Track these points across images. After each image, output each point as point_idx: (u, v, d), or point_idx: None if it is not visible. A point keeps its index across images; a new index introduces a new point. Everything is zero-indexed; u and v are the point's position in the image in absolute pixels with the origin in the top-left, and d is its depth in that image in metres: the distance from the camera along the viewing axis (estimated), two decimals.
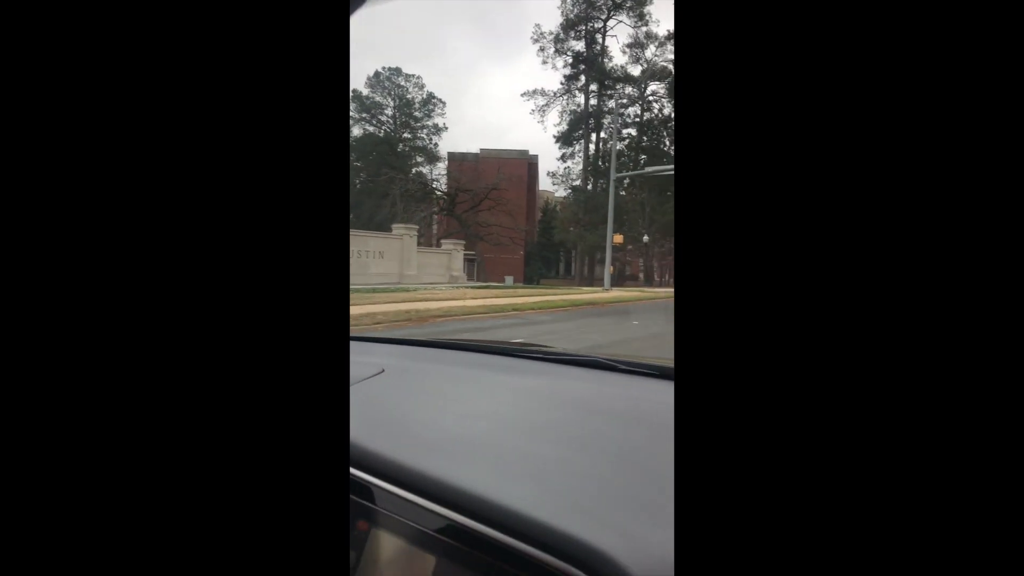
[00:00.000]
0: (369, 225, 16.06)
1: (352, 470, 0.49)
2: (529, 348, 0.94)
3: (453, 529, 0.41)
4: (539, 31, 26.06)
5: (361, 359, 0.81)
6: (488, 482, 0.44)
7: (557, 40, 25.71)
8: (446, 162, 26.39)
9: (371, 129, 24.51)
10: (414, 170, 22.77)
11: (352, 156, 22.25)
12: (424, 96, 25.67)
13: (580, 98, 26.38)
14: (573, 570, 0.36)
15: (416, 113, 25.61)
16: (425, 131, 26.18)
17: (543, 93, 26.36)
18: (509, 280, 22.76)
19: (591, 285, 22.77)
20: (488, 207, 21.43)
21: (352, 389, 0.67)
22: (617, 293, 13.62)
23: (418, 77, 25.33)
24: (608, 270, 15.82)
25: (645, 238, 22.71)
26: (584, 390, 0.72)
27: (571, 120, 26.45)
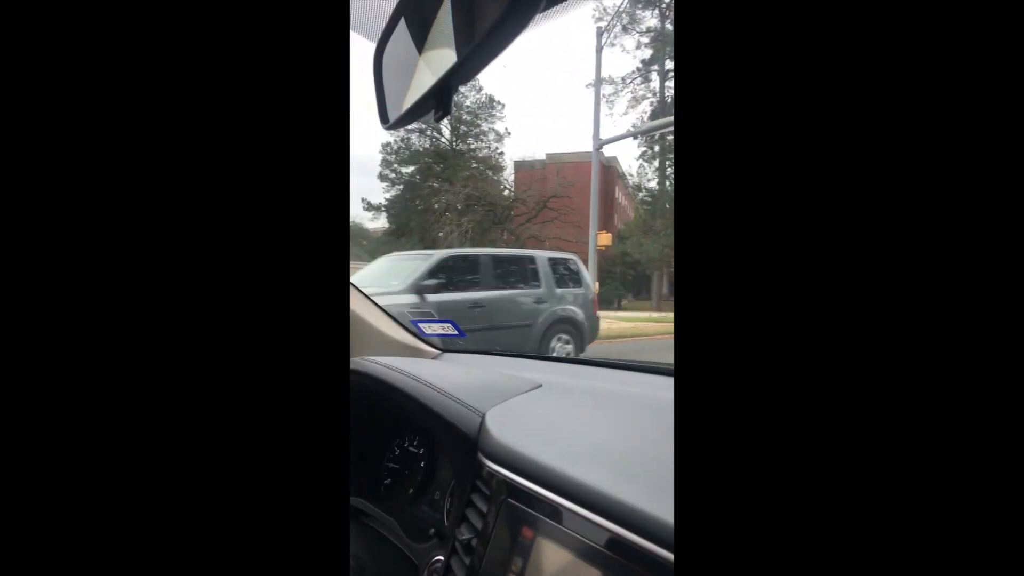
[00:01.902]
0: (419, 244, 14.43)
1: (512, 475, 0.55)
2: None
3: (616, 543, 0.44)
4: (601, 7, 23.37)
5: (519, 374, 0.87)
6: (650, 497, 0.45)
7: (623, 16, 22.83)
8: (513, 172, 24.50)
9: (423, 141, 23.14)
10: (463, 181, 21.02)
11: (409, 170, 20.97)
12: (483, 99, 23.92)
13: (656, 82, 23.34)
14: None
15: (474, 119, 23.88)
16: (485, 138, 24.36)
17: (611, 80, 23.48)
18: None
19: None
20: (550, 218, 19.20)
21: (512, 403, 0.73)
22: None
23: (475, 79, 23.80)
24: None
25: None
26: None
27: (652, 111, 23.53)
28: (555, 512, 0.50)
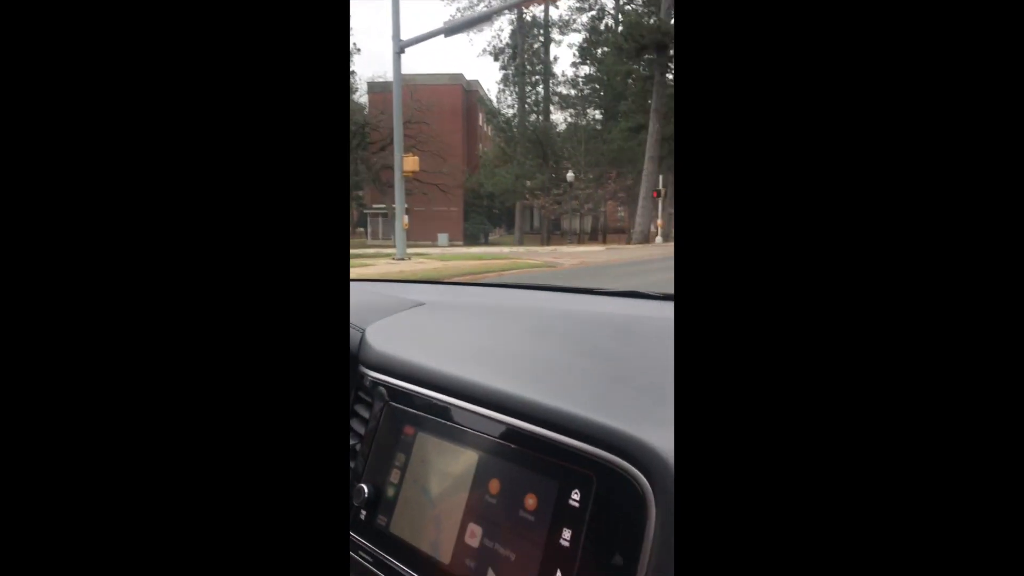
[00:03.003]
0: None
1: (392, 379, 0.60)
2: (568, 286, 1.10)
3: (492, 426, 0.50)
4: None
5: (400, 295, 0.90)
6: (527, 386, 0.51)
7: None
8: (367, 94, 22.48)
9: None
10: None
11: None
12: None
13: None
14: (616, 459, 0.42)
15: None
16: None
17: None
18: (443, 239, 19.61)
19: (549, 243, 19.92)
20: (407, 146, 18.06)
21: (393, 318, 0.77)
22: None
23: None
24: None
25: (570, 175, 19.62)
26: (622, 314, 0.81)
27: (512, 32, 22.71)
28: (435, 408, 0.55)
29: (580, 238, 22.92)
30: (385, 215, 19.73)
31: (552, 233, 23.38)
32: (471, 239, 22.73)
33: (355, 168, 18.92)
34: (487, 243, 21.58)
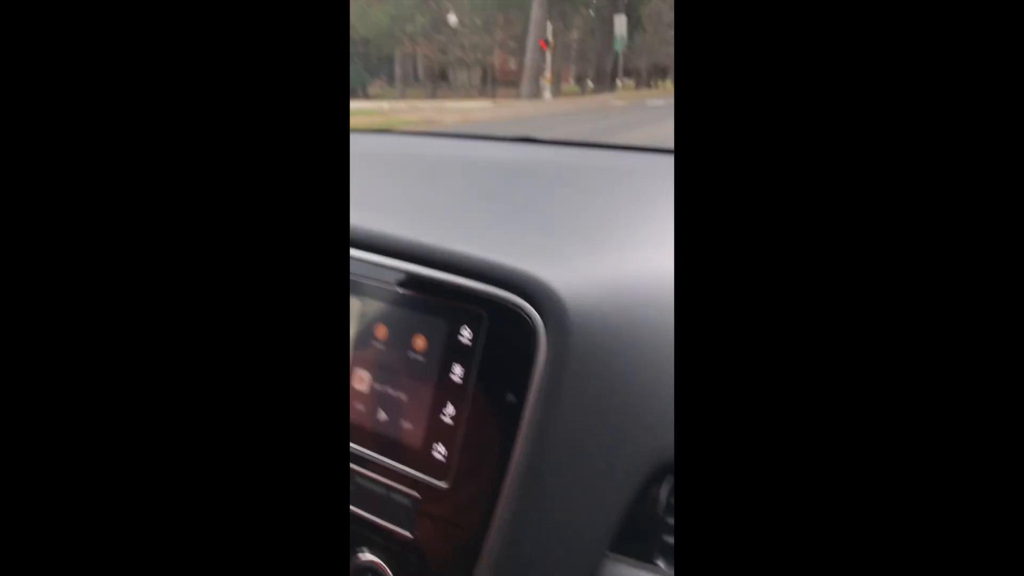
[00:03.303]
0: None
1: None
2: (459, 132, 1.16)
3: (375, 271, 0.47)
4: None
5: None
6: (413, 229, 0.49)
7: None
8: None
9: None
10: None
11: None
12: None
13: None
14: (506, 294, 0.41)
15: None
16: None
17: None
18: None
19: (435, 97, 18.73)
20: None
21: None
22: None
23: None
24: None
25: (452, 18, 18.22)
26: (513, 158, 0.81)
27: None
28: None
29: (470, 92, 21.83)
30: None
31: (438, 86, 22.04)
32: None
33: None
34: (366, 96, 19.94)
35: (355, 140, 1.11)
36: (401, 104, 14.31)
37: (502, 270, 0.42)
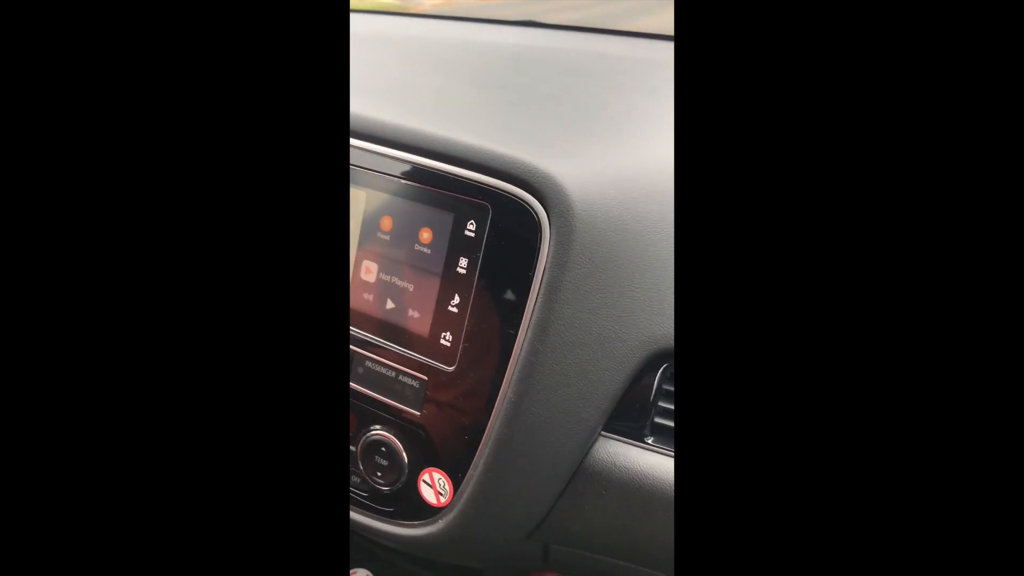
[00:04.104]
0: None
1: None
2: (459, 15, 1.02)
3: (381, 162, 0.47)
4: None
5: None
6: (415, 118, 0.48)
7: None
8: None
9: None
10: None
11: None
12: None
13: None
14: (511, 187, 0.42)
15: None
16: None
17: None
18: None
19: None
20: None
21: None
22: None
23: None
24: None
25: None
26: (518, 43, 0.77)
27: None
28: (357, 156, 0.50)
29: None
30: None
31: None
32: None
33: None
34: None
35: (354, 20, 1.02)
36: None
37: (507, 161, 0.42)
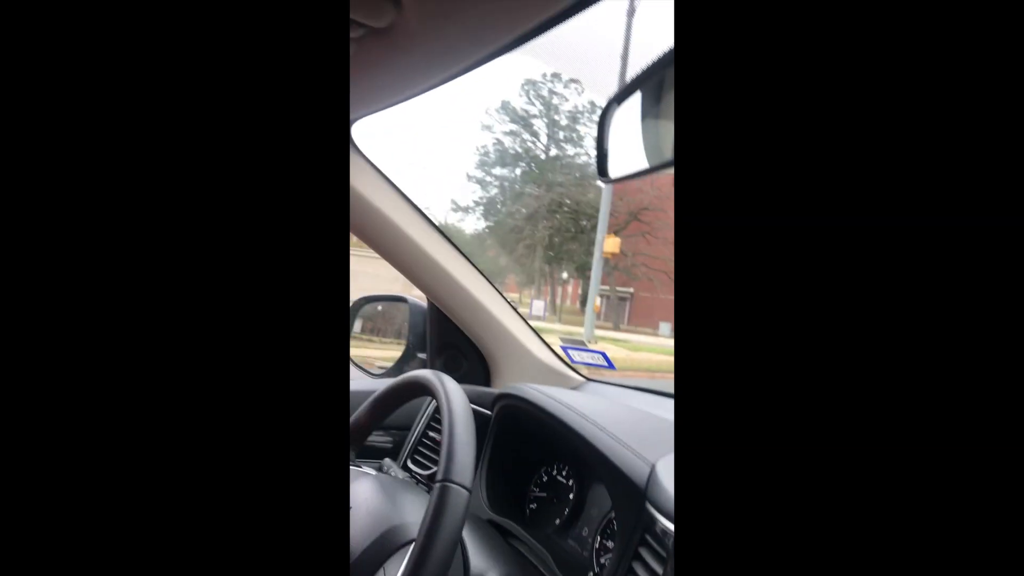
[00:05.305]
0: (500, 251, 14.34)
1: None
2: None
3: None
4: None
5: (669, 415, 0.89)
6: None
7: None
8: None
9: (516, 143, 22.52)
10: (548, 187, 20.40)
11: (500, 172, 20.94)
12: (584, 104, 22.96)
13: None
14: None
15: (572, 123, 22.95)
16: (583, 144, 23.60)
17: None
18: (665, 328, 19.17)
19: None
20: (639, 231, 18.42)
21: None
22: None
23: (578, 83, 22.01)
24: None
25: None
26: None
27: None
28: None
29: None
30: (607, 297, 20.15)
31: None
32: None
33: (587, 249, 20.00)
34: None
35: None
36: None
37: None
